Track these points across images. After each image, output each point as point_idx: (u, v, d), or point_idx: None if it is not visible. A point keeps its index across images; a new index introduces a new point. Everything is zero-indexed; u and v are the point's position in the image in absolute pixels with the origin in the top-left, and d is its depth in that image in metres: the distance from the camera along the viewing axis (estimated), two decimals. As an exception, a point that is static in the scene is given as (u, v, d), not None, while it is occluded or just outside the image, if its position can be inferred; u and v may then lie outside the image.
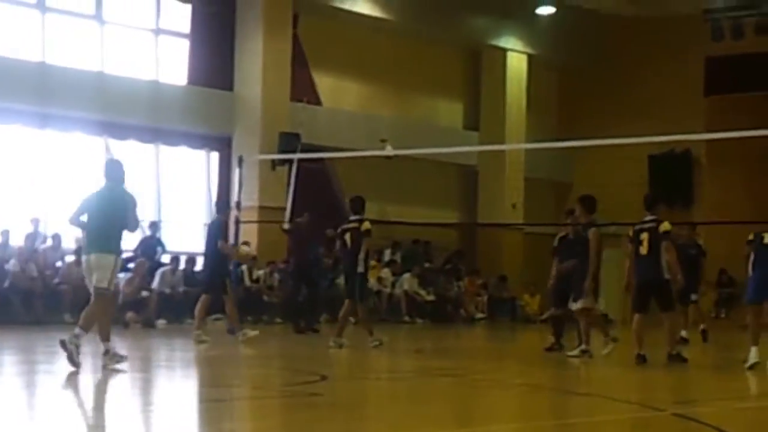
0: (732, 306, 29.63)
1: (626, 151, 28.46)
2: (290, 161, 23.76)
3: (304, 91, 27.17)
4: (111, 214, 12.50)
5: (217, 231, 18.07)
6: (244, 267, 24.19)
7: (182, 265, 23.65)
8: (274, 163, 25.28)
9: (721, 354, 19.34)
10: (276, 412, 10.23)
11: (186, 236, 25.87)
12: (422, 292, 27.90)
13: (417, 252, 29.26)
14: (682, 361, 15.01)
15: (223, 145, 26.40)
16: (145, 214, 24.76)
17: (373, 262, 27.42)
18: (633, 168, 30.88)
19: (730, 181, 30.61)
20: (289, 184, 23.06)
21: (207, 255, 18.52)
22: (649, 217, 15.25)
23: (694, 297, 19.27)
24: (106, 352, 12.45)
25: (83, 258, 12.70)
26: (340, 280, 25.76)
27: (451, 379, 13.71)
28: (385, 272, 27.40)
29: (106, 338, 12.51)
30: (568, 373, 14.90)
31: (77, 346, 11.99)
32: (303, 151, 24.23)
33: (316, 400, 10.77)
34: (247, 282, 24.52)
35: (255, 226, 24.81)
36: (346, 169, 27.54)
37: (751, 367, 14.32)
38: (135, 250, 23.36)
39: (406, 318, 27.44)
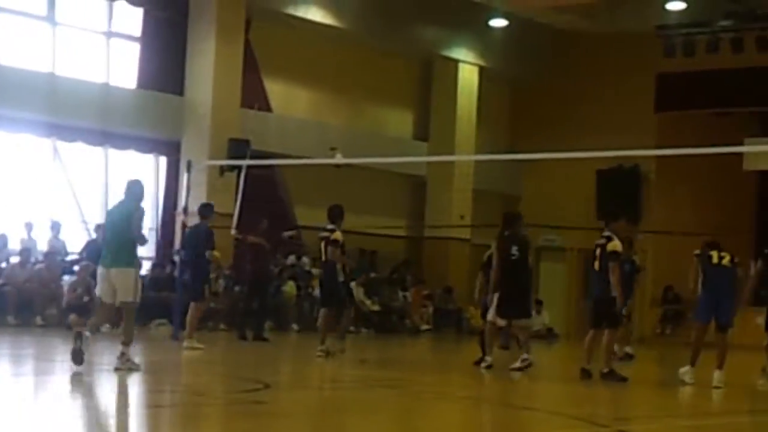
0: (678, 323, 29.82)
1: (575, 165, 28.57)
2: (239, 167, 23.62)
3: (254, 97, 27.03)
4: (121, 228, 13.17)
5: (204, 237, 18.02)
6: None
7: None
8: (223, 169, 25.12)
9: (664, 371, 19.42)
10: (217, 419, 10.14)
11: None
12: (368, 302, 27.83)
13: (363, 261, 29.19)
14: (619, 379, 14.97)
15: (171, 149, 26.20)
16: (91, 217, 24.65)
17: (316, 270, 27.44)
18: (581, 183, 30.98)
19: (678, 198, 30.80)
20: (237, 191, 22.91)
21: (188, 261, 18.42)
22: (605, 233, 15.27)
23: (624, 312, 19.19)
24: (122, 355, 13.07)
25: (99, 269, 13.35)
26: (287, 287, 25.78)
27: (395, 391, 13.66)
28: (332, 281, 27.29)
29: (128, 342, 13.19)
30: (512, 386, 14.89)
31: (128, 360, 13.03)
32: (252, 157, 24.08)
33: (258, 409, 10.69)
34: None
35: (202, 232, 24.61)
36: (295, 177, 27.43)
37: (683, 383, 14.55)
38: (80, 254, 23.14)
39: (351, 328, 27.34)
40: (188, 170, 21.52)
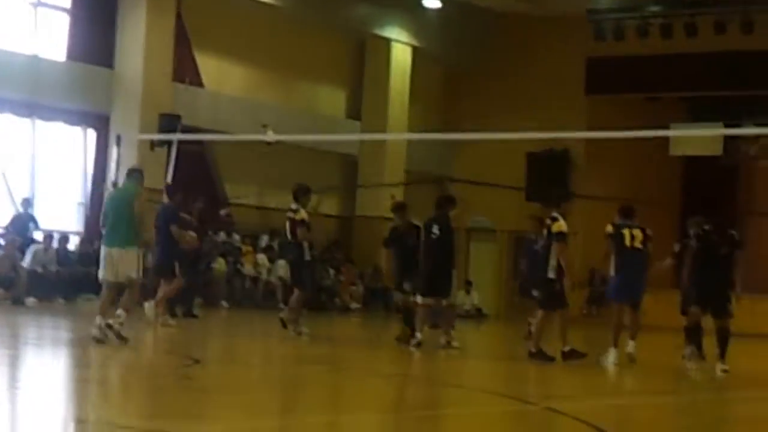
0: (603, 304, 30.12)
1: (506, 147, 28.74)
2: (170, 142, 23.45)
3: (186, 71, 26.82)
4: (124, 210, 13.95)
5: (171, 216, 17.90)
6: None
7: (55, 244, 23.21)
8: (153, 144, 24.90)
9: (590, 351, 19.58)
10: (148, 394, 10.09)
11: (60, 214, 25.39)
12: (298, 280, 27.82)
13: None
14: (547, 359, 15.03)
15: (101, 122, 25.93)
16: (18, 190, 24.35)
17: (248, 248, 27.36)
18: (511, 165, 31.16)
19: (607, 181, 31.08)
20: (168, 166, 22.75)
21: (159, 240, 18.34)
22: (552, 214, 15.22)
23: (535, 293, 19.18)
24: (110, 327, 13.59)
25: (102, 250, 14.07)
26: (217, 264, 25.65)
27: (324, 367, 13.69)
28: (261, 258, 27.26)
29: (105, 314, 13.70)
30: (440, 364, 14.97)
31: (121, 324, 13.58)
32: (183, 132, 23.91)
33: (188, 384, 10.66)
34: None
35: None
36: (226, 154, 27.30)
37: (607, 365, 14.71)
38: (6, 227, 22.85)
39: (281, 305, 27.30)
40: (117, 144, 21.34)
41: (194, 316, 20.72)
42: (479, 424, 9.42)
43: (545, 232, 15.18)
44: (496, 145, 28.42)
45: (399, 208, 18.06)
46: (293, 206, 17.24)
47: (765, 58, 28.85)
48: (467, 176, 31.81)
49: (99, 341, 13.46)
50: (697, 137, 29.70)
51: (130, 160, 23.71)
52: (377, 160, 30.91)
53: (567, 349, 14.98)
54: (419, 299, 16.23)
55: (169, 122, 24.67)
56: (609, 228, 15.58)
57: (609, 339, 15.24)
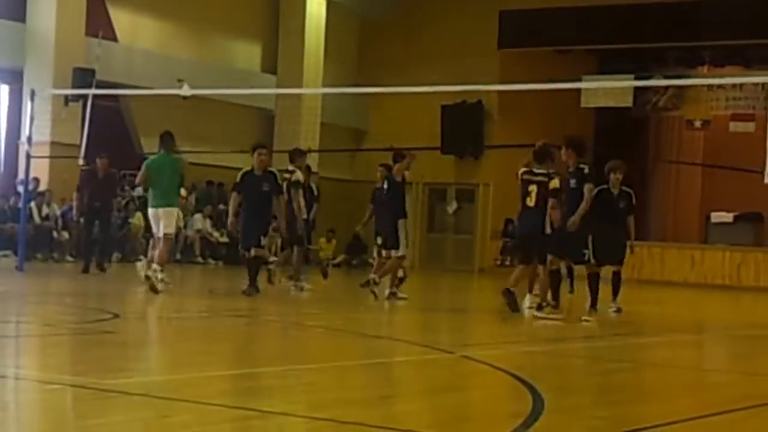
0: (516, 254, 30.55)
1: (421, 100, 28.95)
2: (84, 97, 23.30)
3: (99, 26, 26.60)
4: (171, 175, 16.36)
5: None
6: (33, 203, 23.69)
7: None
8: (68, 99, 24.76)
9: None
10: (66, 349, 10.15)
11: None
12: (216, 234, 27.86)
13: (211, 193, 29.17)
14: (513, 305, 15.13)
15: (14, 78, 25.70)
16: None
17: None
18: (426, 117, 31.39)
19: (520, 133, 31.39)
20: (83, 121, 22.62)
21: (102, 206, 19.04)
22: (539, 170, 14.97)
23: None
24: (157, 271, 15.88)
25: (150, 210, 16.46)
26: (135, 219, 25.59)
27: (243, 320, 13.83)
28: (178, 212, 27.21)
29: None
30: (359, 316, 15.19)
31: (158, 279, 15.71)
32: (98, 87, 23.77)
33: (106, 338, 10.73)
34: (37, 219, 24.05)
35: (46, 162, 24.29)
36: (141, 109, 27.19)
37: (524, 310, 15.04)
38: None
39: (200, 259, 27.41)
40: (32, 99, 21.15)
41: (102, 270, 20.67)
42: (398, 372, 9.66)
43: (534, 188, 14.86)
44: (412, 98, 28.60)
45: (295, 154, 18.12)
46: (290, 168, 17.66)
47: (673, 11, 29.31)
48: (383, 128, 32.04)
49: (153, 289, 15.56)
50: (608, 89, 30.15)
51: (44, 116, 23.59)
52: (293, 114, 30.95)
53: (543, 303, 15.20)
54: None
55: (83, 77, 24.53)
56: (522, 169, 15.22)
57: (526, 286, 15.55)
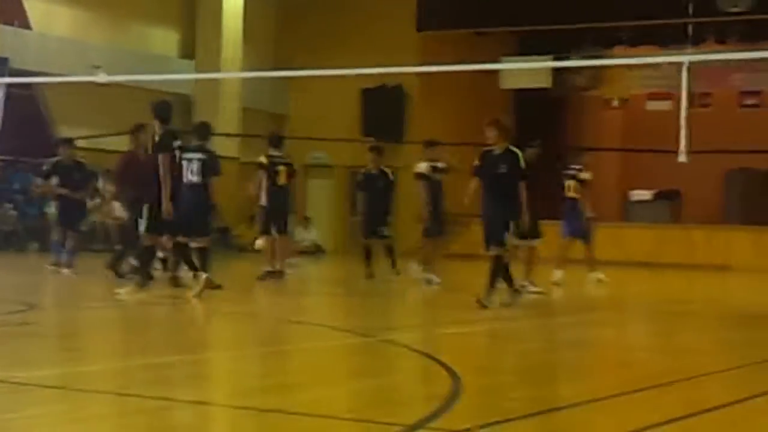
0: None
1: (341, 83, 28.84)
2: (-2, 86, 22.96)
3: (12, 13, 26.20)
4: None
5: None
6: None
7: None
8: (-19, 88, 24.38)
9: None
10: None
11: None
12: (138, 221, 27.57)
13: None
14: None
15: (-75, 67, 25.24)
16: None
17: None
18: (346, 101, 31.33)
19: (440, 116, 31.46)
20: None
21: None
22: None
23: (385, 231, 19.34)
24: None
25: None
26: (50, 209, 25.21)
27: (164, 308, 13.72)
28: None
29: None
30: (280, 301, 15.14)
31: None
32: (11, 76, 23.42)
33: (24, 330, 10.59)
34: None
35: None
36: (56, 97, 26.81)
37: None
38: None
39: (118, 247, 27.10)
40: (-56, 89, 20.82)
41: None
42: (319, 357, 9.63)
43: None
44: (331, 82, 28.45)
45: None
46: (275, 153, 17.73)
47: (591, -8, 29.53)
48: (303, 112, 31.94)
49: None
50: (527, 70, 30.29)
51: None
52: (212, 99, 30.73)
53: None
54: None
55: (-3, 65, 24.17)
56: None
57: (450, 269, 15.65)
